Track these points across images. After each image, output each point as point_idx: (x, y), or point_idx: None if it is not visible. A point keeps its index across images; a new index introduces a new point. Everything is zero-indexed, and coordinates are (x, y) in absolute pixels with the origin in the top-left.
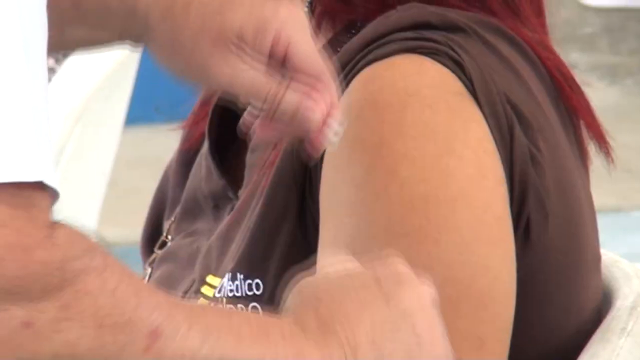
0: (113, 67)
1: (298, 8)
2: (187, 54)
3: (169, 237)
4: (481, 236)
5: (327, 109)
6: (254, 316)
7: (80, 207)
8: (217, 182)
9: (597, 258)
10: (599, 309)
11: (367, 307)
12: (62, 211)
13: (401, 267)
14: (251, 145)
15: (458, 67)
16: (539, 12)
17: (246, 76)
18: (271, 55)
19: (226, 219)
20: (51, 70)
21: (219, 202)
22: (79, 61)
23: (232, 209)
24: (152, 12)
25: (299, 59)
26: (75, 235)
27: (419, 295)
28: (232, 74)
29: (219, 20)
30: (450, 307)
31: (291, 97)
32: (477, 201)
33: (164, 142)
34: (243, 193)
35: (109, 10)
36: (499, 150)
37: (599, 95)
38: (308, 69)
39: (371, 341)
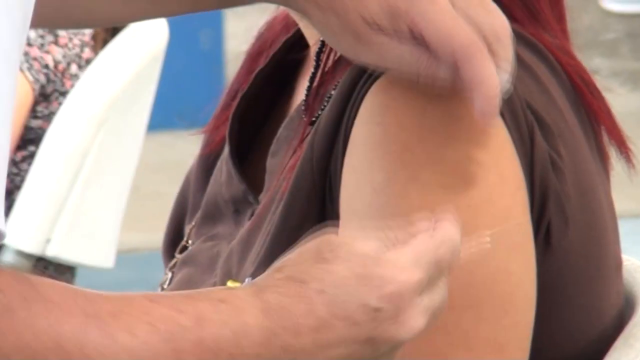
0: (136, 73)
1: None
2: (338, 40)
3: (190, 241)
4: (502, 242)
5: (483, 69)
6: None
7: (103, 211)
8: (238, 186)
9: (619, 263)
10: (621, 314)
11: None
12: (86, 216)
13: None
14: (271, 150)
15: None
16: (560, 18)
17: (392, 58)
18: (413, 35)
19: (247, 223)
20: (75, 77)
21: (239, 207)
22: (102, 68)
23: (252, 214)
24: None
25: (433, 40)
26: None
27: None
28: (379, 58)
29: (357, 11)
30: (471, 313)
31: (443, 72)
32: (498, 206)
33: (186, 148)
34: (263, 198)
35: None
36: (519, 155)
37: (621, 101)
38: (444, 48)
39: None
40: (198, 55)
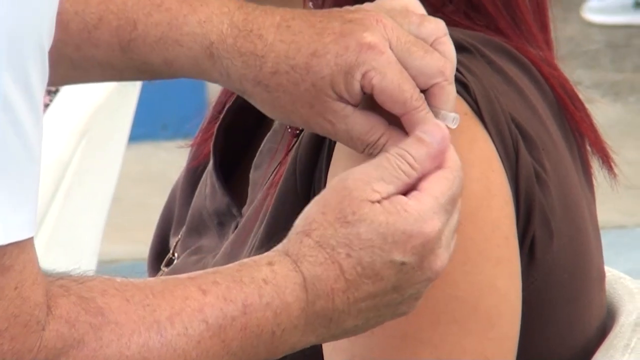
0: (118, 83)
1: (381, 38)
2: (287, 113)
3: (175, 254)
4: (489, 255)
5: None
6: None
7: (85, 222)
8: (221, 199)
9: (602, 276)
10: (604, 326)
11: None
12: (67, 227)
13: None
14: (254, 162)
15: (463, 88)
16: (544, 27)
17: (343, 129)
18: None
19: (231, 237)
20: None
21: (223, 220)
22: None
23: (236, 226)
24: (244, 77)
25: (382, 99)
26: None
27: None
28: (332, 129)
29: (309, 81)
30: (457, 327)
31: (392, 138)
32: (485, 220)
33: (168, 159)
34: (247, 210)
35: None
36: (505, 169)
37: (603, 112)
38: (393, 107)
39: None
40: None
